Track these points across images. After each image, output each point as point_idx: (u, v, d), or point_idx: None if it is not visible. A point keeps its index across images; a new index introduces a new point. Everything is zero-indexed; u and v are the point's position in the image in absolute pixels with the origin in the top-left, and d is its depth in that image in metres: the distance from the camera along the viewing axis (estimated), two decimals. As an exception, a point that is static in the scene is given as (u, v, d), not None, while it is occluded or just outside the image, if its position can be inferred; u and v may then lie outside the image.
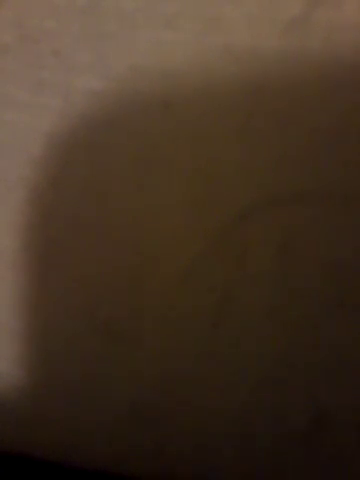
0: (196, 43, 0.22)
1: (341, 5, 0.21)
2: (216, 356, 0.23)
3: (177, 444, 0.24)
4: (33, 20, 0.23)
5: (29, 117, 0.24)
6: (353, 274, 0.22)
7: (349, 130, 0.21)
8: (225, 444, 0.23)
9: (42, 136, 0.24)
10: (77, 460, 0.25)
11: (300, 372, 0.22)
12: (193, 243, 0.23)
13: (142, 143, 0.23)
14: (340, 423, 0.22)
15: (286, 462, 0.23)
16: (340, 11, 0.21)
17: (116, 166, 0.23)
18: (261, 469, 0.23)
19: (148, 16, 0.22)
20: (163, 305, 0.23)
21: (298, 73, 0.21)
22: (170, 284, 0.23)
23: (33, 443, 0.25)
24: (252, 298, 0.22)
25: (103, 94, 0.23)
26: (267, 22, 0.21)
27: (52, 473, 0.25)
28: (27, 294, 0.24)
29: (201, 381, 0.23)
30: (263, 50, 0.21)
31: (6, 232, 0.24)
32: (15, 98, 0.24)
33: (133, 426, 0.24)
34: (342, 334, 0.22)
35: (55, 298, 0.24)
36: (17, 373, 0.25)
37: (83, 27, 0.23)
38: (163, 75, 0.22)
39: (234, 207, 0.22)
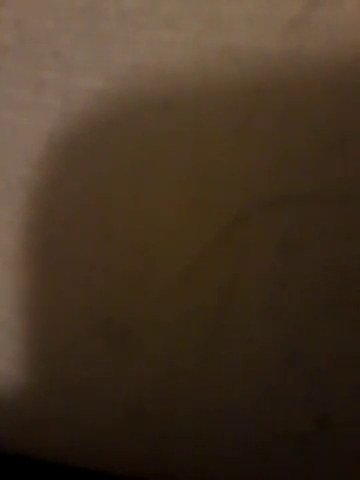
0: (196, 43, 0.22)
1: (341, 5, 0.21)
2: (216, 356, 0.23)
3: (177, 444, 0.24)
4: (33, 20, 0.23)
5: (29, 117, 0.24)
6: (353, 274, 0.22)
7: (349, 130, 0.21)
8: (225, 444, 0.23)
9: (42, 136, 0.24)
10: (77, 460, 0.25)
11: (301, 372, 0.22)
12: (193, 243, 0.23)
13: (142, 143, 0.23)
14: (341, 424, 0.22)
15: (286, 463, 0.23)
16: (340, 11, 0.21)
17: (116, 166, 0.23)
18: (261, 469, 0.23)
19: (148, 16, 0.22)
20: (163, 305, 0.23)
21: (298, 73, 0.21)
22: (170, 285, 0.23)
23: (33, 443, 0.25)
24: (252, 298, 0.22)
25: (103, 94, 0.23)
26: (267, 22, 0.21)
27: (52, 473, 0.25)
28: (27, 294, 0.25)
29: (201, 381, 0.23)
30: (263, 50, 0.21)
31: (6, 232, 0.24)
32: (15, 98, 0.24)
33: (133, 426, 0.24)
34: (343, 334, 0.22)
35: (55, 298, 0.24)
36: (17, 373, 0.25)
37: (83, 27, 0.23)
38: (163, 75, 0.22)
39: (234, 207, 0.22)
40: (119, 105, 0.23)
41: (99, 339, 0.24)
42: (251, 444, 0.23)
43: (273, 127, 0.22)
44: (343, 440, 0.22)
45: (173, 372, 0.24)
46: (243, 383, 0.23)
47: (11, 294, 0.25)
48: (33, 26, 0.23)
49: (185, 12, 0.22)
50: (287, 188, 0.22)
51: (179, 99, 0.22)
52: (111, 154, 0.23)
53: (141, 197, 0.23)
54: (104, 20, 0.23)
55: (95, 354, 0.24)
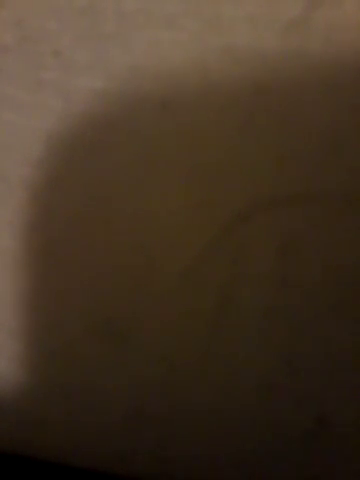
0: (196, 43, 0.22)
1: (341, 5, 0.21)
2: (216, 356, 0.23)
3: (177, 444, 0.24)
4: (33, 20, 0.23)
5: (29, 117, 0.24)
6: (353, 275, 0.22)
7: (349, 130, 0.21)
8: (225, 444, 0.23)
9: (42, 136, 0.24)
10: (77, 460, 0.25)
11: (300, 372, 0.22)
12: (193, 243, 0.23)
13: (142, 143, 0.23)
14: (341, 423, 0.22)
15: (286, 463, 0.23)
16: (340, 11, 0.21)
17: (116, 166, 0.23)
18: (261, 470, 0.23)
19: (148, 16, 0.22)
20: (163, 305, 0.23)
21: (298, 73, 0.21)
22: (170, 284, 0.23)
23: (33, 443, 0.25)
24: (252, 299, 0.22)
25: (103, 94, 0.23)
26: (267, 22, 0.21)
27: (52, 473, 0.25)
28: (27, 294, 0.25)
29: (201, 381, 0.23)
30: (263, 50, 0.21)
31: (6, 232, 0.24)
32: (15, 98, 0.24)
33: (133, 426, 0.24)
34: (342, 335, 0.22)
35: (55, 298, 0.24)
36: (17, 373, 0.25)
37: (83, 27, 0.23)
38: (163, 75, 0.22)
39: (234, 208, 0.22)
40: (119, 105, 0.23)
41: (99, 339, 0.24)
42: (251, 444, 0.23)
43: (273, 127, 0.22)
44: (343, 440, 0.22)
45: (173, 372, 0.23)
46: (243, 383, 0.23)
47: (11, 294, 0.25)
48: (33, 26, 0.23)
49: (185, 12, 0.22)
50: (287, 188, 0.22)
51: (179, 99, 0.22)
52: (111, 154, 0.23)
53: (141, 197, 0.23)
54: (104, 20, 0.23)
55: (95, 354, 0.24)
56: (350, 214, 0.21)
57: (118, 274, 0.24)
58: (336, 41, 0.21)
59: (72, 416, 0.25)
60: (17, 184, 0.24)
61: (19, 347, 0.25)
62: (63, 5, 0.23)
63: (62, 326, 0.24)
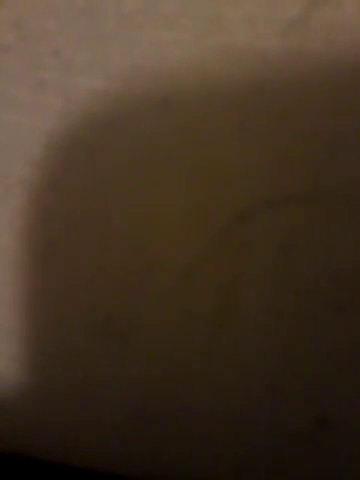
0: (196, 43, 0.22)
1: (341, 5, 0.21)
2: (216, 356, 0.23)
3: (177, 445, 0.24)
4: (33, 20, 0.23)
5: (29, 117, 0.24)
6: (353, 275, 0.22)
7: (349, 130, 0.21)
8: (225, 444, 0.23)
9: (42, 136, 0.24)
10: (77, 460, 0.25)
11: (300, 373, 0.22)
12: (193, 244, 0.23)
13: (142, 143, 0.23)
14: (341, 424, 0.22)
15: (286, 463, 0.23)
16: (340, 11, 0.21)
17: (116, 166, 0.23)
18: (261, 470, 0.23)
19: (148, 16, 0.22)
20: (164, 305, 0.23)
21: (298, 73, 0.21)
22: (171, 284, 0.23)
23: (33, 443, 0.25)
24: (252, 299, 0.22)
25: (103, 94, 0.23)
26: (267, 22, 0.21)
27: (52, 473, 0.25)
28: (27, 294, 0.25)
29: (201, 381, 0.23)
30: (263, 50, 0.21)
31: (6, 232, 0.24)
32: (15, 98, 0.24)
33: (133, 426, 0.24)
34: (342, 335, 0.22)
35: (55, 298, 0.24)
36: (17, 373, 0.25)
37: (83, 27, 0.23)
38: (163, 75, 0.22)
39: (234, 208, 0.22)
40: (119, 105, 0.23)
41: (99, 339, 0.24)
42: (251, 444, 0.23)
43: (273, 127, 0.22)
44: (343, 440, 0.22)
45: (173, 372, 0.24)
46: (243, 383, 0.23)
47: (11, 294, 0.25)
48: (33, 26, 0.23)
49: (185, 12, 0.22)
50: (288, 188, 0.22)
51: (179, 99, 0.22)
52: (111, 154, 0.23)
53: (141, 196, 0.23)
54: (104, 20, 0.23)
55: (95, 354, 0.24)
56: (349, 214, 0.21)
57: (118, 274, 0.24)
58: (336, 41, 0.21)
59: (72, 416, 0.25)
60: (17, 184, 0.24)
61: (19, 347, 0.25)
62: (63, 5, 0.23)
63: (62, 326, 0.24)
